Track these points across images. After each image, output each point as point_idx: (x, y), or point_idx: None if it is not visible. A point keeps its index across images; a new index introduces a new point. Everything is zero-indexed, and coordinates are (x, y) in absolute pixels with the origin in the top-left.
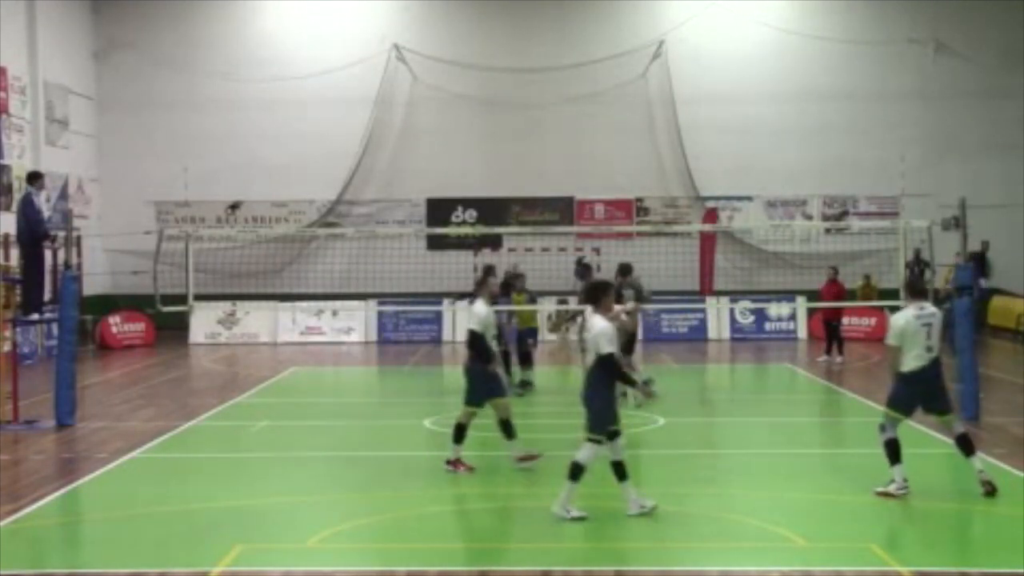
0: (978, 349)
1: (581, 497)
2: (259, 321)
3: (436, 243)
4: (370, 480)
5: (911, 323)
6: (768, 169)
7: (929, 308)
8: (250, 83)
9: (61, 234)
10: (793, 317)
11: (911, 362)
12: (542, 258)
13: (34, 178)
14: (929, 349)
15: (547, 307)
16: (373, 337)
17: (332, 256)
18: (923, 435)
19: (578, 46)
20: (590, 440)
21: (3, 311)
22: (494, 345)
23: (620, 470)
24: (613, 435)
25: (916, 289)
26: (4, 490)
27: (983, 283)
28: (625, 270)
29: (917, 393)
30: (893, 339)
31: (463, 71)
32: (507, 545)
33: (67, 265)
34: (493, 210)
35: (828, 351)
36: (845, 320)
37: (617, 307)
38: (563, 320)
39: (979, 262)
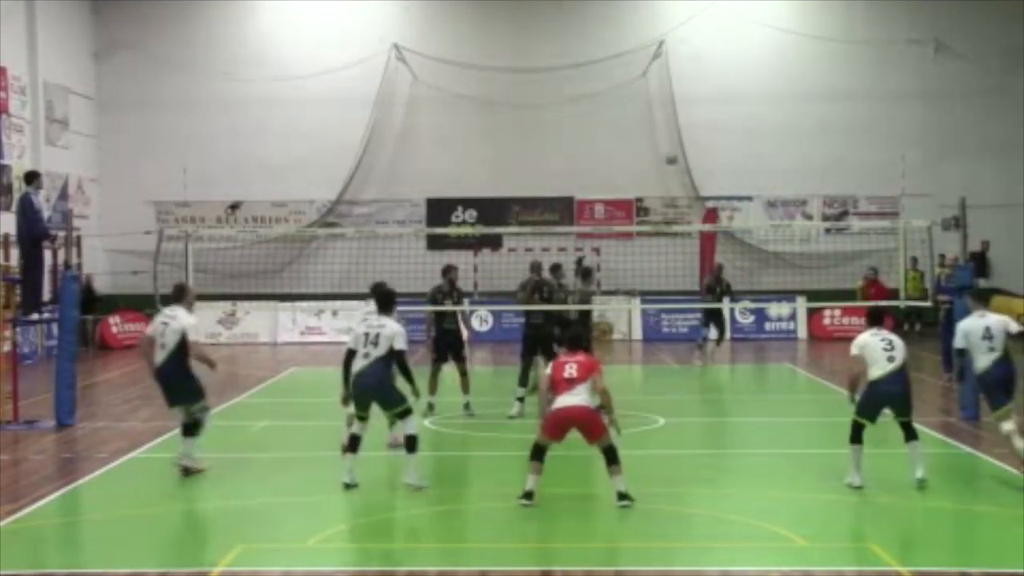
0: None
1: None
2: (259, 321)
3: (436, 243)
4: (370, 480)
5: (869, 339)
6: (768, 169)
7: (885, 332)
8: (250, 83)
9: (61, 234)
10: (793, 317)
11: (875, 372)
12: (542, 258)
13: (32, 178)
14: (891, 360)
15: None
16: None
17: (332, 256)
18: (924, 435)
19: (578, 46)
20: None
21: (3, 311)
22: None
23: None
24: None
25: (875, 317)
26: (4, 490)
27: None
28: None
29: (881, 401)
30: (855, 348)
31: (463, 71)
32: (507, 545)
33: (67, 265)
34: (493, 210)
35: None
36: (845, 320)
37: None
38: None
39: (979, 262)
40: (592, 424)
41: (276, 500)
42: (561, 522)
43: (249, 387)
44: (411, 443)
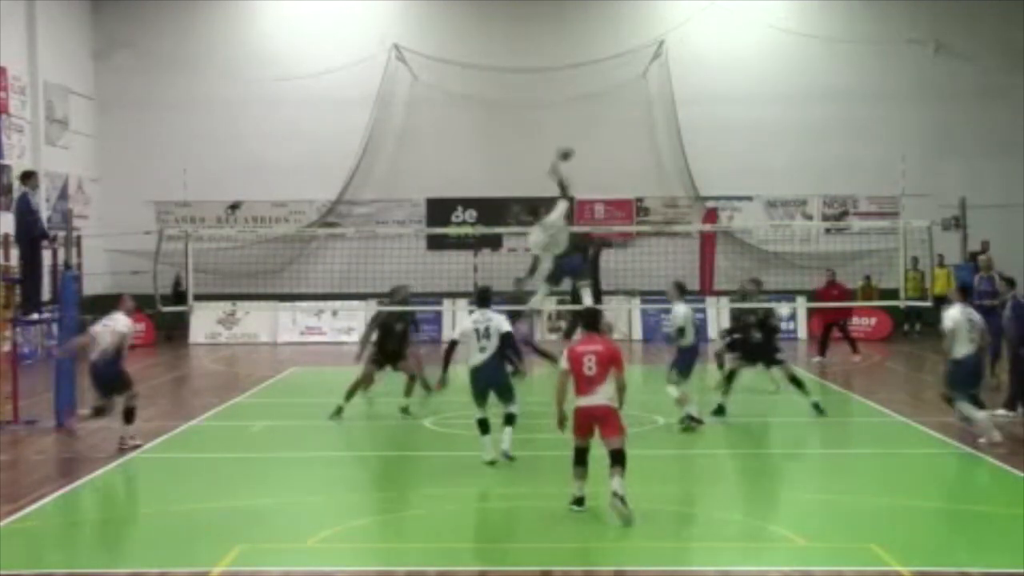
0: None
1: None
2: (259, 321)
3: (436, 243)
4: (370, 480)
5: (959, 315)
6: (768, 169)
7: (971, 310)
8: (250, 83)
9: (61, 234)
10: (793, 317)
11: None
12: None
13: (27, 177)
14: (972, 340)
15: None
16: (373, 337)
17: (332, 256)
18: (924, 435)
19: (578, 46)
20: None
21: (3, 311)
22: None
23: None
24: None
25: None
26: (4, 490)
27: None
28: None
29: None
30: (948, 321)
31: (463, 71)
32: (507, 545)
33: (67, 265)
34: (493, 210)
35: (822, 352)
36: (855, 320)
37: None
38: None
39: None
40: (611, 420)
41: (276, 500)
42: (561, 522)
43: (249, 387)
44: (511, 418)
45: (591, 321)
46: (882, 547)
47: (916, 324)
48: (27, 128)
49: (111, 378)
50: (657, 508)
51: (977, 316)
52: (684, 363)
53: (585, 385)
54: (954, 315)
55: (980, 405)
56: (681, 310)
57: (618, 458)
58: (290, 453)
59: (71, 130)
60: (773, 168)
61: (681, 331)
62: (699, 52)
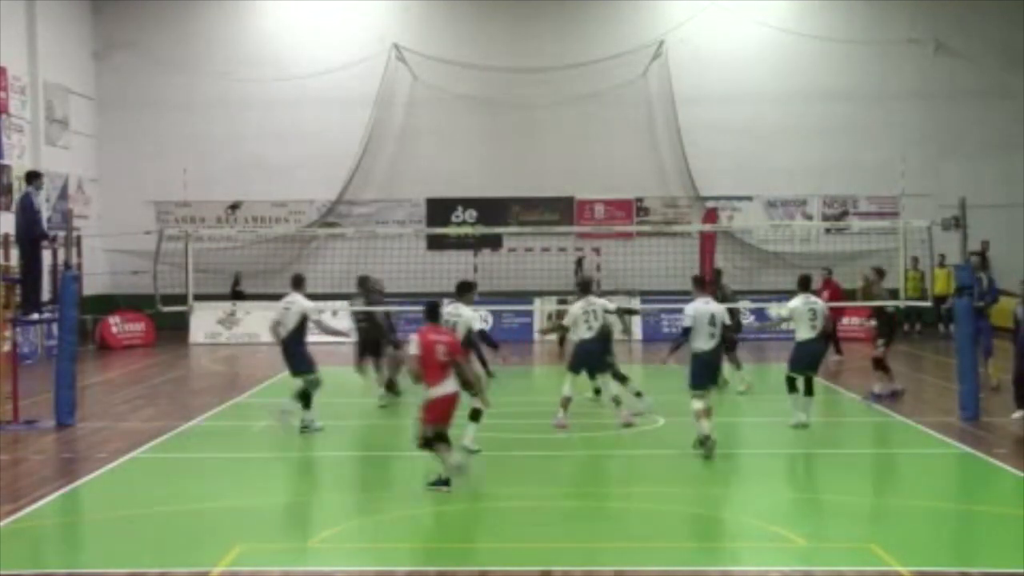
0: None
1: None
2: (259, 321)
3: (436, 243)
4: (370, 480)
5: (800, 305)
6: (768, 169)
7: (813, 299)
8: (250, 83)
9: (61, 234)
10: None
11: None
12: (542, 258)
13: (33, 177)
14: (814, 327)
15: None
16: None
17: (332, 256)
18: (924, 435)
19: (578, 46)
20: None
21: (3, 311)
22: None
23: None
24: None
25: (805, 283)
26: (4, 490)
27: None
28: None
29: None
30: (786, 311)
31: (463, 71)
32: (507, 545)
33: (67, 265)
34: (493, 210)
35: (838, 351)
36: (845, 320)
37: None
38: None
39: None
40: (457, 403)
41: (276, 500)
42: (561, 522)
43: (249, 387)
44: (476, 414)
45: (433, 312)
46: (882, 547)
47: (916, 324)
48: (27, 128)
49: (291, 357)
50: (657, 508)
51: (820, 305)
52: (694, 372)
53: (439, 372)
54: (794, 305)
55: (807, 389)
56: (688, 308)
57: (445, 437)
58: (290, 453)
59: (71, 130)
60: (773, 168)
61: (687, 332)
62: (699, 52)
